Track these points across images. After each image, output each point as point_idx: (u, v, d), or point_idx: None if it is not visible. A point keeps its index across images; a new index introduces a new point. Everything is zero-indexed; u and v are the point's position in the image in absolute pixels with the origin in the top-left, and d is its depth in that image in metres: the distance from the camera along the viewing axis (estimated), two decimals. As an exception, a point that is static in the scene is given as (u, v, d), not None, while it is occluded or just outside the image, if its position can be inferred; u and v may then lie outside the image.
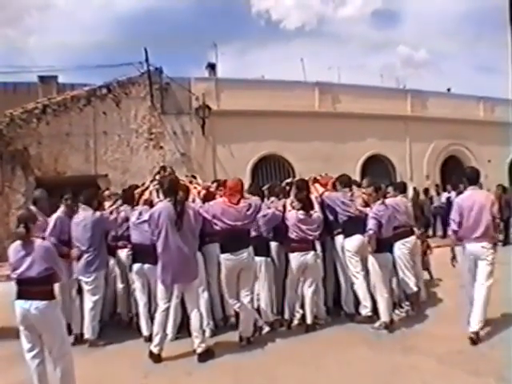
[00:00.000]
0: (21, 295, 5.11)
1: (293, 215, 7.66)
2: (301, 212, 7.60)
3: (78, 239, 7.51)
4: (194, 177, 9.80)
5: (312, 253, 7.56)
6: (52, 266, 5.18)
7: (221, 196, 7.75)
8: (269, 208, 7.81)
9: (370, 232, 7.41)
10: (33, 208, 7.72)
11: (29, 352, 5.15)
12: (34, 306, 4.98)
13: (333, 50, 59.18)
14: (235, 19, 67.40)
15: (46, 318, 5.06)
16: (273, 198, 8.40)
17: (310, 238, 7.57)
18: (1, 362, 6.52)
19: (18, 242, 5.18)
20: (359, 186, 9.03)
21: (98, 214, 7.62)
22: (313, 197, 8.12)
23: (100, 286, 7.54)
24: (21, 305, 5.05)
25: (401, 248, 8.29)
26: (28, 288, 5.06)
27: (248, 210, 7.01)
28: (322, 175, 9.44)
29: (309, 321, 7.58)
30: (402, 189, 9.39)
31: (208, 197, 7.77)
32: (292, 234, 7.60)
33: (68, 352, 5.28)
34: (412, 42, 66.92)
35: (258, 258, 7.44)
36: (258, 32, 61.82)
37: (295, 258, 7.57)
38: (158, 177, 8.69)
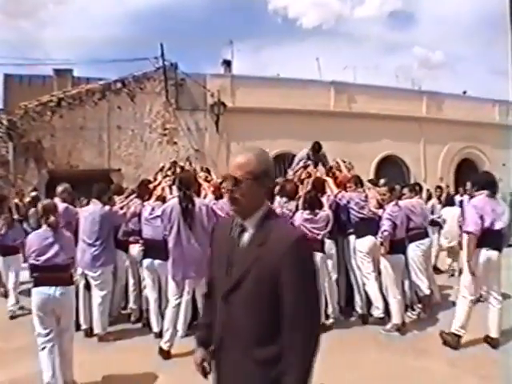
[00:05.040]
0: (44, 282, 5.23)
1: (298, 215, 7.66)
2: (306, 212, 7.58)
3: (85, 232, 7.47)
4: (208, 170, 9.76)
5: (320, 255, 7.50)
6: (72, 256, 5.54)
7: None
8: (281, 208, 7.78)
9: (385, 234, 7.35)
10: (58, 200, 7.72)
11: (45, 337, 5.27)
12: (59, 291, 5.21)
13: (349, 49, 59.12)
14: (252, 16, 67.47)
15: (67, 301, 5.37)
16: (285, 199, 8.32)
17: (318, 237, 7.51)
18: (10, 355, 6.52)
19: (46, 229, 5.38)
20: (376, 184, 8.95)
21: (106, 208, 7.58)
22: (325, 197, 8.08)
23: (107, 281, 7.49)
24: (44, 291, 5.24)
25: (415, 250, 8.22)
26: (53, 274, 5.25)
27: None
28: (345, 160, 9.48)
29: None
30: (417, 190, 9.32)
31: (216, 194, 7.71)
32: (300, 233, 7.54)
33: (73, 334, 5.65)
34: (428, 43, 66.75)
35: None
36: (274, 30, 61.84)
37: None
38: (169, 172, 8.67)
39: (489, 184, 6.91)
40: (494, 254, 6.57)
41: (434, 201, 13.02)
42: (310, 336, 2.35)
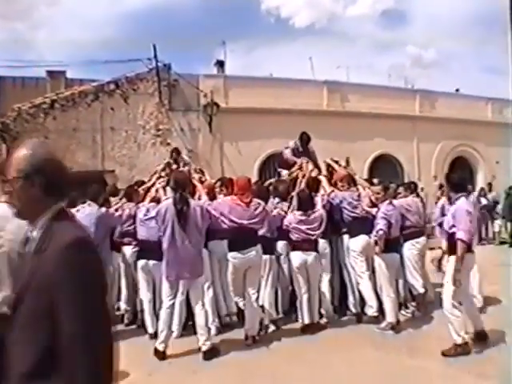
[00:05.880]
0: None
1: (291, 218, 7.64)
2: (299, 213, 7.57)
3: None
4: (202, 171, 9.74)
5: (314, 254, 7.53)
6: None
7: (224, 195, 7.72)
8: (275, 208, 7.79)
9: (380, 233, 7.36)
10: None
11: None
12: None
13: (342, 48, 58.94)
14: (244, 16, 67.19)
15: None
16: (278, 199, 8.32)
17: (312, 237, 7.54)
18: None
19: None
20: (372, 183, 8.95)
21: (103, 210, 7.59)
22: (319, 195, 8.09)
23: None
24: None
25: (410, 248, 8.23)
26: None
27: (256, 209, 6.97)
28: (336, 160, 9.45)
29: (305, 321, 7.54)
30: (412, 189, 9.33)
31: (209, 196, 7.68)
32: (293, 236, 7.58)
33: None
34: (421, 41, 66.71)
35: (263, 256, 7.40)
36: (266, 29, 61.56)
37: (297, 256, 7.54)
38: (163, 173, 8.66)
39: (465, 185, 6.94)
40: (474, 254, 6.63)
41: (443, 201, 12.50)
42: (90, 375, 1.80)
